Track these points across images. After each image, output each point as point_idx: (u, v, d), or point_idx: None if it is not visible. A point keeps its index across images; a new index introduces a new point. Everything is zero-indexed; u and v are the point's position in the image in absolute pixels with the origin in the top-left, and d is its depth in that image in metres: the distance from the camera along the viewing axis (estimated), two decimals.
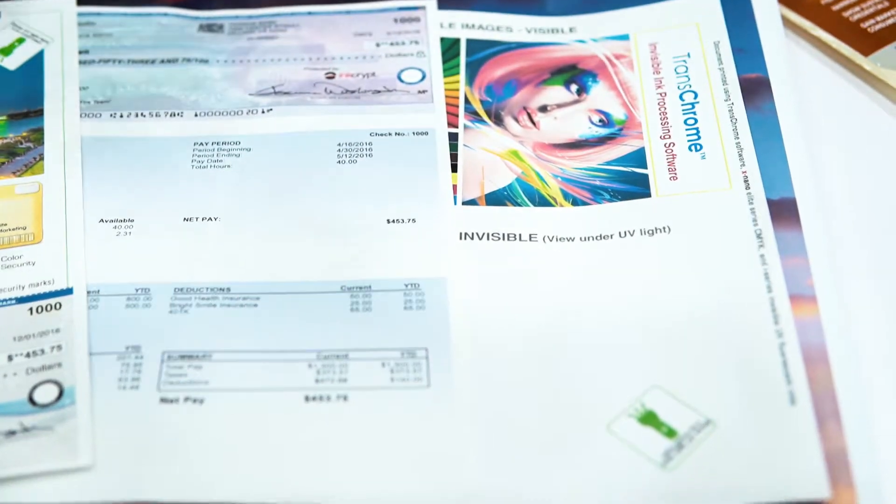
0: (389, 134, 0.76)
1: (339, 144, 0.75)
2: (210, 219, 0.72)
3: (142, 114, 0.77)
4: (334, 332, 0.67)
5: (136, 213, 0.72)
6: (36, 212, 0.72)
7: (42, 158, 0.75)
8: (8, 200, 0.73)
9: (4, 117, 0.77)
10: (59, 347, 0.66)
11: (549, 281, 0.69)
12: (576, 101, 0.78)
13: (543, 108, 0.78)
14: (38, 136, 0.76)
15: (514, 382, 0.65)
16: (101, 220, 0.72)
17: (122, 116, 0.77)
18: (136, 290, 0.68)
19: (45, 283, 0.69)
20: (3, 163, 0.75)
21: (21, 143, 0.76)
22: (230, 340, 0.66)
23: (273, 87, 0.78)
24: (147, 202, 0.72)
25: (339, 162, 0.74)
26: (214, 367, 0.65)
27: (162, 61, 0.80)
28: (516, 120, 0.77)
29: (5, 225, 0.71)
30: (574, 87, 0.79)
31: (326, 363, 0.65)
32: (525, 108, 0.78)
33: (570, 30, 0.82)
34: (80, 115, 0.77)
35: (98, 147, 0.75)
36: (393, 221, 0.71)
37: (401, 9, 0.83)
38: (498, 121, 0.77)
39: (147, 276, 0.69)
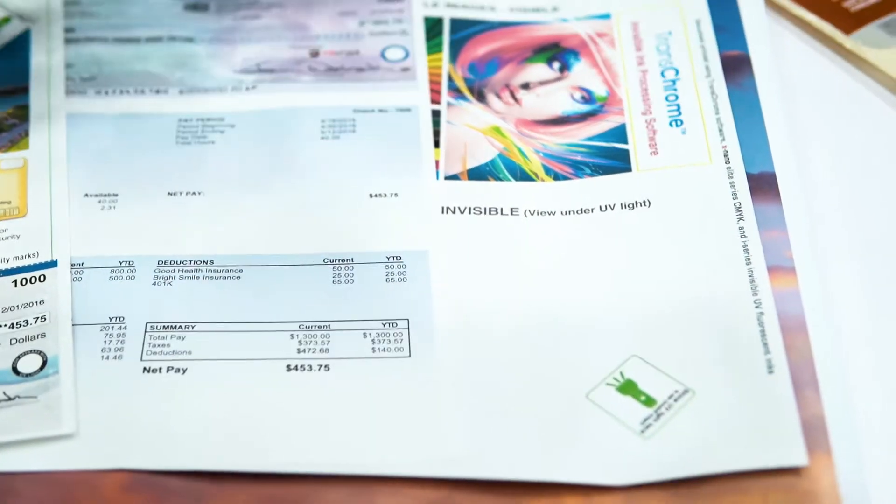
0: (373, 111, 0.76)
1: (323, 121, 0.76)
2: (194, 193, 0.72)
3: (127, 90, 0.78)
4: (316, 304, 0.67)
5: (121, 188, 0.72)
6: (21, 186, 0.72)
7: (27, 134, 0.75)
8: None
9: None
10: (44, 318, 0.66)
11: (531, 254, 0.69)
12: (558, 79, 0.78)
13: (526, 86, 0.78)
14: (23, 112, 0.76)
15: (495, 352, 0.65)
16: (86, 195, 0.72)
17: (107, 93, 0.77)
18: (121, 263, 0.69)
19: (29, 255, 0.69)
20: None
21: (7, 120, 0.76)
22: (213, 312, 0.67)
23: (258, 65, 0.79)
24: (132, 177, 0.73)
25: (322, 138, 0.75)
26: (197, 338, 0.66)
27: (147, 39, 0.81)
28: (499, 97, 0.78)
29: None
30: (556, 65, 0.79)
31: (308, 334, 0.66)
32: (507, 86, 0.78)
33: (553, 9, 0.83)
34: (66, 92, 0.77)
35: (83, 123, 0.76)
36: (375, 196, 0.72)
37: None
38: (481, 98, 0.77)
39: (131, 249, 0.69)
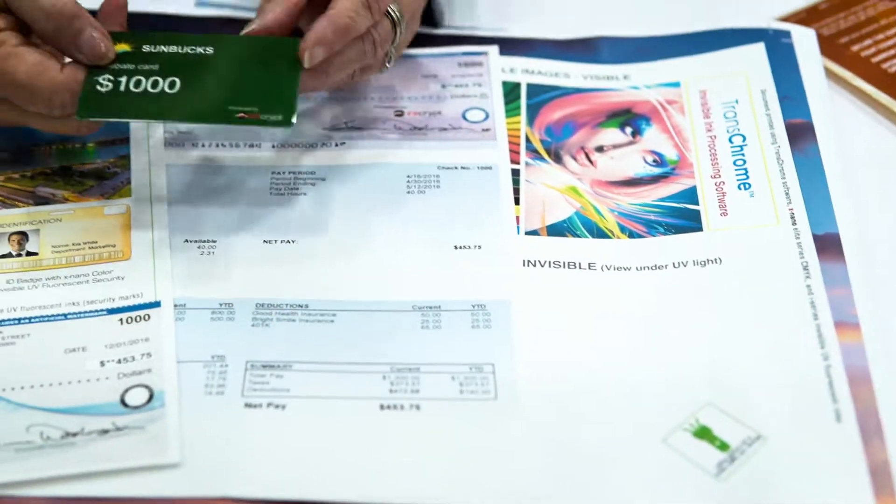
0: (455, 168, 0.81)
1: (409, 176, 0.80)
2: (288, 241, 0.76)
3: (222, 144, 0.82)
4: (406, 347, 0.71)
5: (219, 235, 0.77)
6: (125, 231, 0.77)
7: (129, 183, 0.80)
8: (98, 220, 0.77)
9: (93, 144, 0.82)
10: (149, 355, 0.70)
11: (608, 306, 0.73)
12: (630, 143, 0.83)
13: (600, 148, 0.83)
14: (124, 162, 0.81)
15: (575, 398, 0.69)
16: (186, 241, 0.76)
17: (203, 146, 0.82)
18: (220, 305, 0.73)
19: (133, 296, 0.73)
20: (93, 186, 0.79)
21: (109, 168, 0.81)
22: (309, 352, 0.71)
23: (345, 123, 0.84)
24: (228, 225, 0.77)
25: (408, 192, 0.79)
26: (295, 377, 0.69)
27: None
28: (574, 158, 0.82)
29: (95, 242, 0.76)
30: (629, 130, 0.84)
31: (399, 375, 0.69)
32: (583, 148, 0.83)
33: (625, 77, 0.87)
34: (164, 145, 0.82)
35: (181, 173, 0.80)
36: (460, 248, 0.76)
37: (465, 54, 0.88)
38: (557, 159, 0.82)
39: (230, 292, 0.74)
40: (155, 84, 0.74)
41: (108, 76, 0.74)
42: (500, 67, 0.88)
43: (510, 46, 0.89)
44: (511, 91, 0.86)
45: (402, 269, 0.75)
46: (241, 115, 0.73)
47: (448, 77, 0.87)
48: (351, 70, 0.78)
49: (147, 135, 0.82)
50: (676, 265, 0.75)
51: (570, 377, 0.70)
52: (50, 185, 0.79)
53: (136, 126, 0.83)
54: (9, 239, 0.76)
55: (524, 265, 0.75)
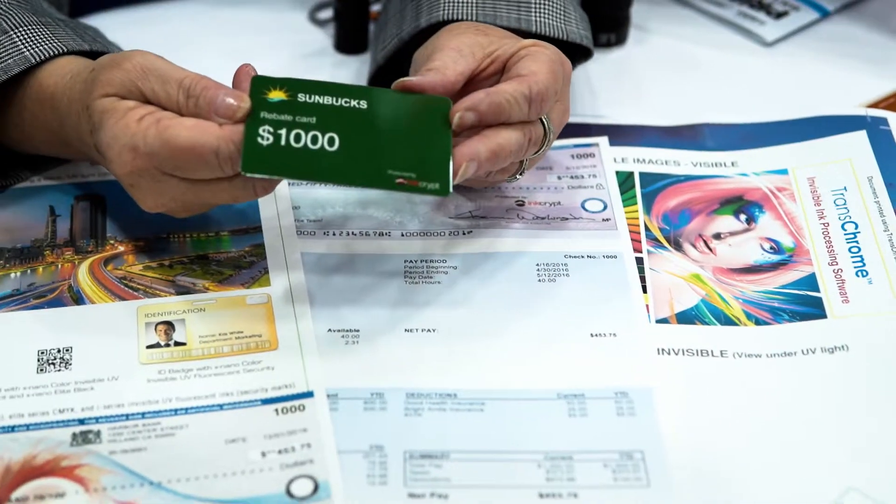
0: (582, 256, 0.83)
1: (538, 265, 0.83)
2: (429, 330, 0.79)
3: (353, 232, 0.85)
4: (556, 436, 0.73)
5: (361, 324, 0.79)
6: (268, 321, 0.79)
7: (267, 272, 0.82)
8: (241, 309, 0.79)
9: (227, 233, 0.84)
10: (309, 445, 0.72)
11: (744, 392, 0.76)
12: (746, 230, 0.86)
13: (717, 236, 0.85)
14: (259, 251, 0.83)
15: (725, 483, 0.71)
16: (330, 330, 0.78)
17: (334, 234, 0.84)
18: (372, 395, 0.75)
19: (286, 386, 0.75)
20: (231, 275, 0.82)
21: (245, 258, 0.83)
22: (463, 441, 0.73)
23: (470, 212, 0.86)
24: (369, 314, 0.79)
25: (539, 280, 0.82)
26: (453, 466, 0.71)
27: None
28: (694, 246, 0.85)
29: (241, 332, 0.78)
30: (743, 217, 0.86)
31: (554, 463, 0.72)
32: (701, 235, 0.85)
33: (732, 164, 0.90)
34: (297, 233, 0.84)
35: (317, 262, 0.82)
36: (596, 335, 0.79)
37: (577, 146, 0.91)
38: (677, 247, 0.85)
39: (379, 381, 0.76)
40: (315, 139, 0.75)
41: (267, 128, 0.74)
42: (613, 157, 0.91)
43: (618, 134, 0.92)
44: (625, 180, 0.89)
45: (541, 357, 0.77)
46: (401, 180, 0.75)
47: (563, 168, 0.90)
48: (506, 162, 0.78)
49: (279, 224, 0.85)
50: (805, 352, 0.78)
51: (718, 464, 0.72)
52: (189, 275, 0.82)
53: (268, 215, 0.85)
54: (156, 328, 0.78)
55: (658, 353, 0.78)
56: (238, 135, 0.74)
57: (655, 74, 0.99)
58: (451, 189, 0.74)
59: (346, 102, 0.76)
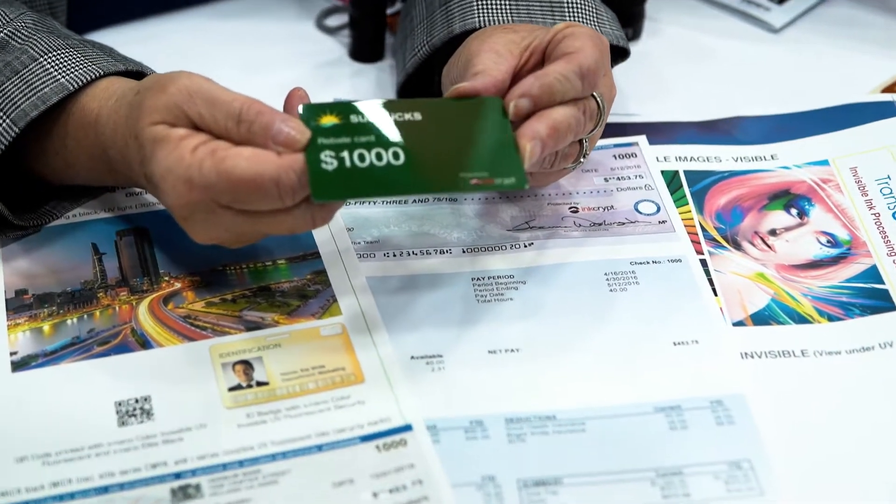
0: (647, 262, 0.83)
1: (606, 274, 0.82)
2: (512, 350, 0.77)
3: (413, 252, 0.82)
4: (662, 451, 0.73)
5: (443, 348, 0.77)
6: (348, 352, 0.76)
7: (335, 300, 0.79)
8: (317, 342, 0.77)
9: (284, 261, 0.81)
10: (420, 482, 0.70)
11: (832, 391, 0.76)
12: (800, 224, 0.86)
13: (773, 232, 0.86)
14: (322, 278, 0.81)
15: (835, 485, 0.71)
16: (413, 357, 0.76)
17: (394, 255, 0.82)
18: (471, 423, 0.73)
19: (381, 420, 0.73)
20: (299, 305, 0.79)
21: (309, 286, 0.80)
22: (572, 464, 0.72)
23: (527, 222, 0.85)
24: (449, 337, 0.77)
25: (611, 290, 0.81)
26: (569, 491, 0.70)
27: (414, 201, 0.86)
28: (752, 244, 0.85)
29: (323, 367, 0.75)
30: (794, 211, 0.87)
31: (666, 479, 0.71)
32: (756, 233, 0.85)
33: (772, 157, 0.90)
34: (357, 256, 0.81)
35: (383, 286, 0.80)
36: (679, 343, 0.78)
37: (617, 146, 0.90)
38: (736, 246, 0.84)
39: (475, 409, 0.74)
40: (379, 156, 0.73)
41: (329, 153, 0.72)
42: (655, 157, 0.90)
43: (654, 132, 0.92)
44: (672, 180, 0.88)
45: (629, 370, 0.76)
46: (475, 181, 0.73)
47: (608, 170, 0.89)
48: (567, 140, 0.77)
49: (337, 247, 0.82)
50: (883, 346, 0.79)
51: (825, 466, 0.72)
52: (256, 308, 0.78)
53: (323, 239, 0.82)
54: (234, 369, 0.75)
55: (742, 357, 0.78)
56: (299, 164, 0.71)
57: (675, 69, 0.99)
58: (526, 180, 0.73)
59: (399, 117, 0.74)
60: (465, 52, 0.82)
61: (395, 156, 0.73)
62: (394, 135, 0.73)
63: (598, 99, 0.79)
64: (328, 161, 0.72)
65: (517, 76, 0.79)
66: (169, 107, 0.73)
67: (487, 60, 0.78)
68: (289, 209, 0.72)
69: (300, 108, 0.73)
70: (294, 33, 0.99)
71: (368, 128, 0.73)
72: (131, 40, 0.95)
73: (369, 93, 0.94)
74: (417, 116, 0.75)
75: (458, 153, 0.74)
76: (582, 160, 0.81)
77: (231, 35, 0.98)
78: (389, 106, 0.75)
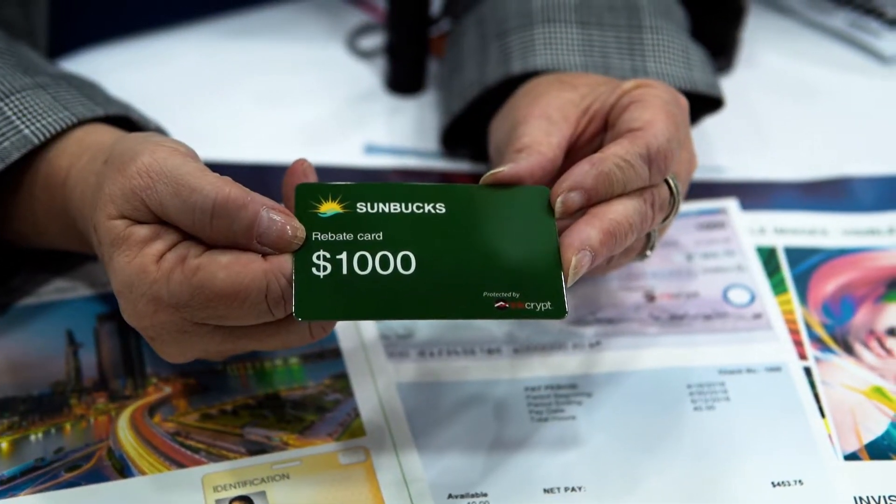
0: (740, 371, 0.68)
1: (690, 386, 0.67)
2: (574, 489, 0.63)
3: (454, 350, 0.68)
4: None
5: (489, 486, 0.62)
6: (372, 487, 0.62)
7: (357, 415, 0.65)
8: (334, 473, 0.62)
9: (296, 360, 0.67)
10: None
11: None
12: None
13: (892, 332, 0.70)
14: (343, 384, 0.66)
15: None
16: (451, 496, 0.62)
17: (432, 354, 0.68)
18: None
19: None
20: (314, 421, 0.65)
21: (327, 394, 0.66)
22: None
23: (593, 313, 0.70)
24: (496, 469, 0.63)
25: (695, 409, 0.66)
26: None
27: None
28: (867, 346, 0.70)
29: None
30: None
31: None
32: (872, 332, 0.70)
33: (889, 230, 0.75)
34: (386, 355, 0.67)
35: (417, 396, 0.66)
36: (778, 485, 0.63)
37: (701, 212, 0.75)
38: (847, 349, 0.69)
39: None
40: (385, 262, 0.58)
41: (323, 253, 0.57)
42: (748, 227, 0.75)
43: (747, 194, 0.77)
44: (769, 259, 0.73)
45: None
46: (501, 304, 0.58)
47: (691, 244, 0.74)
48: (627, 242, 0.61)
49: (362, 343, 0.68)
50: None
51: None
52: (261, 424, 0.64)
53: (346, 332, 0.68)
54: None
55: (856, 503, 0.63)
56: (288, 268, 0.56)
57: (772, 109, 0.83)
58: (567, 308, 0.58)
59: (417, 208, 0.59)
60: (512, 113, 0.66)
61: (405, 263, 0.58)
62: (408, 232, 0.58)
63: (672, 182, 0.63)
64: (320, 265, 0.57)
65: (574, 146, 0.64)
66: (126, 195, 0.57)
67: (536, 130, 0.63)
68: (280, 322, 0.58)
69: (295, 190, 0.59)
70: (320, 58, 0.83)
71: (378, 221, 0.58)
72: (124, 63, 0.80)
73: (407, 136, 0.79)
74: (441, 209, 0.59)
75: (485, 264, 0.58)
76: (648, 254, 0.66)
77: (245, 59, 0.82)
78: (408, 192, 0.60)
